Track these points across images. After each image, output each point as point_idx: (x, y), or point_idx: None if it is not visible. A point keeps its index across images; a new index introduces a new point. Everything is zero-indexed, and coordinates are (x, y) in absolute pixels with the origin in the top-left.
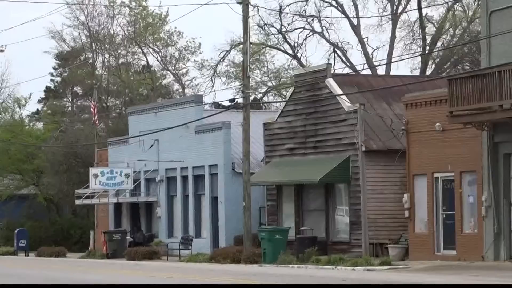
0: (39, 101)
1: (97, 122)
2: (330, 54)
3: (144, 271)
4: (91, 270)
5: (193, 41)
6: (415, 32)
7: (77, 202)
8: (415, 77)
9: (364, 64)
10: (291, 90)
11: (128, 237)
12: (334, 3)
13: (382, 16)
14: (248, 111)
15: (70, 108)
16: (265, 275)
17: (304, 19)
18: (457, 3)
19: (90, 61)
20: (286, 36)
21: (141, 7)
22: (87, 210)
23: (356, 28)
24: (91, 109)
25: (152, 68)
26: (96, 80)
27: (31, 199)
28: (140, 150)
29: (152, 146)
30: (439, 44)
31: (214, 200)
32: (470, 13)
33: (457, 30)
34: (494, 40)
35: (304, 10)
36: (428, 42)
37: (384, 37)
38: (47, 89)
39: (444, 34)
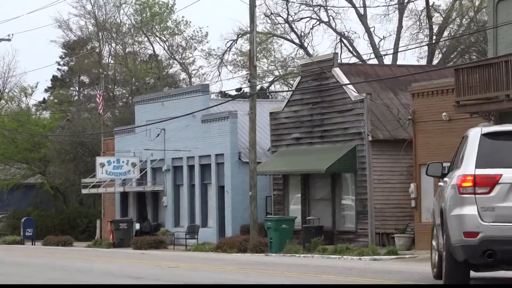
0: (46, 90)
1: (102, 112)
2: (336, 44)
3: (150, 260)
4: (95, 259)
5: (200, 30)
6: (422, 21)
7: (84, 191)
8: (421, 66)
9: (371, 53)
10: (297, 79)
11: (138, 226)
12: None
13: (389, 5)
14: (254, 100)
15: (76, 97)
16: (272, 264)
17: (311, 8)
18: None
19: (97, 50)
20: (293, 26)
21: None
22: (94, 199)
23: (363, 18)
24: (97, 99)
25: (159, 57)
26: (102, 69)
27: (37, 188)
28: (146, 139)
29: (158, 135)
30: (446, 33)
31: (221, 189)
32: (477, 3)
33: (464, 19)
34: (501, 29)
35: (311, 0)
36: (435, 31)
37: (391, 26)
38: (54, 78)
39: (451, 23)
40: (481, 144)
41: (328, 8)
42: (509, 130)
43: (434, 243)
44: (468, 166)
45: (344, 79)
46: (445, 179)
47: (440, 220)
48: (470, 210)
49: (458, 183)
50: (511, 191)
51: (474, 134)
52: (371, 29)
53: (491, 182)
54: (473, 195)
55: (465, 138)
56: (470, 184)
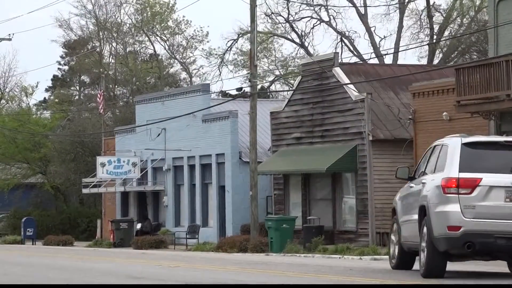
0: (46, 90)
1: (102, 111)
2: (337, 43)
3: (151, 260)
4: (96, 258)
5: (201, 30)
6: (422, 21)
7: (84, 191)
8: (422, 66)
9: (372, 53)
10: (298, 79)
11: (139, 226)
12: None
13: (389, 5)
14: (255, 100)
15: (77, 97)
16: (272, 264)
17: (312, 8)
18: None
19: (98, 49)
20: (294, 25)
21: None
22: (94, 199)
23: (363, 17)
24: (98, 99)
25: (160, 57)
26: (103, 69)
27: (38, 187)
28: (147, 139)
29: (159, 135)
30: (446, 33)
31: (221, 189)
32: (478, 2)
33: (465, 19)
34: (502, 29)
35: None
36: (435, 31)
37: (392, 26)
38: (55, 78)
39: (451, 23)
40: (462, 152)
41: (329, 7)
42: (486, 140)
43: (393, 237)
44: (452, 170)
45: (344, 79)
46: (422, 180)
47: (418, 216)
48: (454, 207)
49: (443, 184)
50: (489, 192)
51: (454, 143)
52: (372, 29)
53: (473, 184)
54: (457, 195)
55: (441, 147)
56: (454, 185)
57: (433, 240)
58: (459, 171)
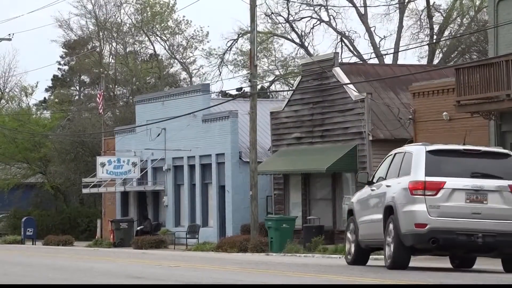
0: (46, 90)
1: (102, 111)
2: (337, 43)
3: (151, 260)
4: (96, 258)
5: (201, 30)
6: (422, 21)
7: (84, 190)
8: (422, 66)
9: (372, 53)
10: (298, 79)
11: (141, 226)
12: None
13: (389, 5)
14: (255, 100)
15: (77, 97)
16: (272, 264)
17: (311, 8)
18: None
19: (97, 49)
20: (293, 25)
21: None
22: (94, 198)
23: (363, 17)
24: (97, 99)
25: (160, 57)
26: (103, 69)
27: (38, 187)
28: (147, 139)
29: (159, 135)
30: (446, 33)
31: (221, 189)
32: (478, 2)
33: (465, 19)
34: (502, 29)
35: None
36: (435, 31)
37: (392, 26)
38: (55, 78)
39: (451, 23)
40: (427, 158)
41: (329, 7)
42: (447, 148)
43: (349, 236)
44: (419, 174)
45: (344, 79)
46: (387, 184)
47: (383, 216)
48: (421, 207)
49: (410, 187)
50: (452, 194)
51: (419, 151)
52: (372, 29)
53: (438, 187)
54: (423, 196)
55: (404, 154)
56: (421, 188)
57: (400, 236)
58: (426, 175)
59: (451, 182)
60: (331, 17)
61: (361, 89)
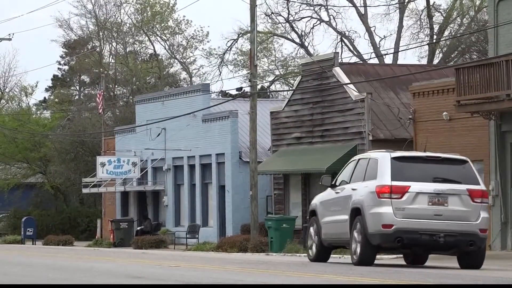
0: (46, 90)
1: (102, 111)
2: (337, 43)
3: (151, 260)
4: (96, 258)
5: (201, 30)
6: (422, 21)
7: (84, 190)
8: (422, 66)
9: (372, 53)
10: (298, 79)
11: (141, 226)
12: None
13: (389, 5)
14: (255, 100)
15: (77, 97)
16: (272, 264)
17: (311, 7)
18: None
19: (98, 49)
20: (293, 25)
21: None
22: (94, 198)
23: (363, 17)
24: (97, 99)
25: (160, 57)
26: (103, 69)
27: (38, 187)
28: (147, 139)
29: (159, 134)
30: (446, 33)
31: (221, 189)
32: (478, 2)
33: (465, 19)
34: (502, 29)
35: None
36: (435, 31)
37: (392, 26)
38: (55, 78)
39: (451, 23)
40: (392, 164)
41: (329, 7)
42: (411, 155)
43: (312, 235)
44: (385, 179)
45: (344, 79)
46: (352, 187)
47: (349, 217)
48: (387, 209)
49: (377, 190)
50: (416, 197)
51: (384, 157)
52: (372, 29)
53: (403, 191)
54: (390, 199)
55: (368, 160)
56: (388, 191)
57: (368, 236)
58: (392, 180)
59: (415, 186)
60: (331, 17)
61: (361, 89)
